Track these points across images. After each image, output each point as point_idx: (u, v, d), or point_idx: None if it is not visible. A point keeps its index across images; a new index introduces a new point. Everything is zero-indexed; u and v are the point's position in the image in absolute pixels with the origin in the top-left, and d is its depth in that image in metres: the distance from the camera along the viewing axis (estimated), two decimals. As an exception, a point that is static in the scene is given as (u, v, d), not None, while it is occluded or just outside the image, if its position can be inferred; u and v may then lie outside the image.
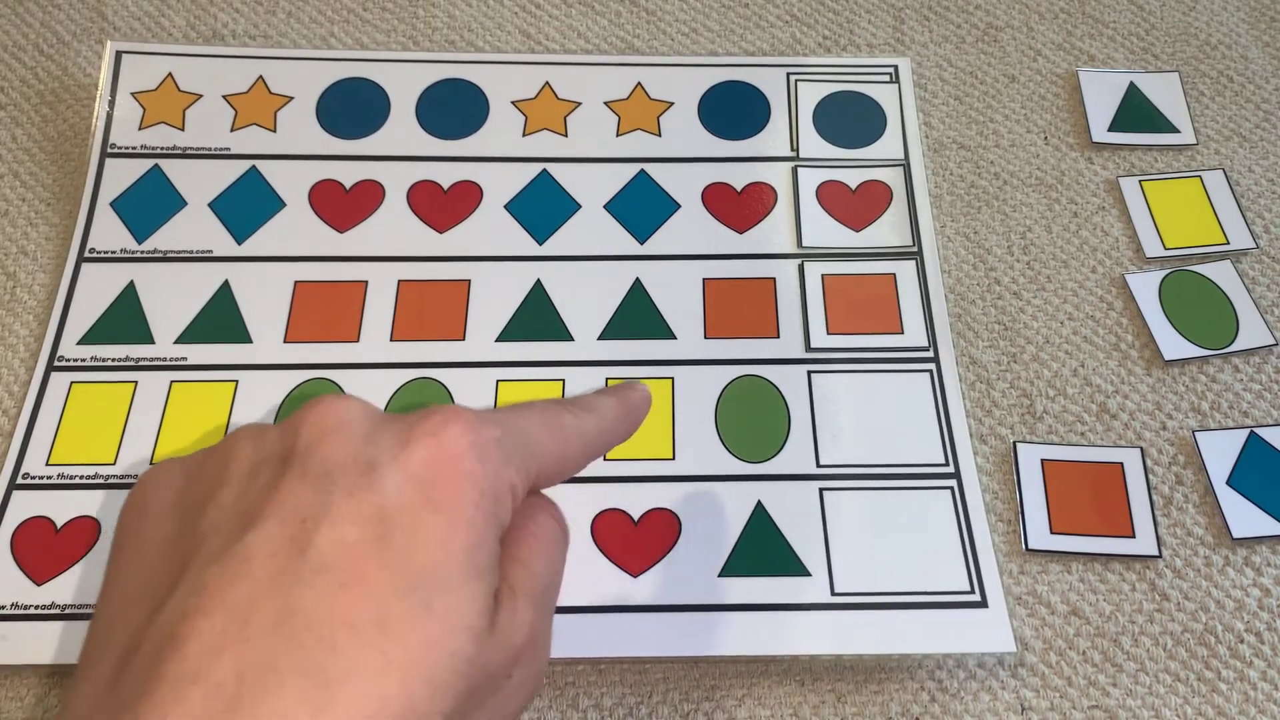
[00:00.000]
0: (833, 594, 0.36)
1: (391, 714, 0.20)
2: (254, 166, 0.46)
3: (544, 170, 0.46)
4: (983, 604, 0.36)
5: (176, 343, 0.41)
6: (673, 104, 0.48)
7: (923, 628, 0.35)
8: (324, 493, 0.22)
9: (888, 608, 0.36)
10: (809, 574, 0.36)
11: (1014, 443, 0.40)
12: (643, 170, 0.46)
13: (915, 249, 0.44)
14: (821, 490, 0.38)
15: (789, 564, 0.37)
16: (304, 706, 0.20)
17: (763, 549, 0.37)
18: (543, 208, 0.45)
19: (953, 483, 0.38)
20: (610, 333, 0.42)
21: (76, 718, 0.21)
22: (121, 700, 0.20)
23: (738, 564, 0.36)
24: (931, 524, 0.37)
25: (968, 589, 0.36)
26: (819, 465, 0.39)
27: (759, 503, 0.38)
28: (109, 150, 0.46)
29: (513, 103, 0.48)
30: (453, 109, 0.48)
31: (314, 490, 0.22)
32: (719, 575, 0.36)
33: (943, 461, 0.39)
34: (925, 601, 0.36)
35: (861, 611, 0.36)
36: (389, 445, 0.23)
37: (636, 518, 0.37)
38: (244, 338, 0.41)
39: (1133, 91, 0.49)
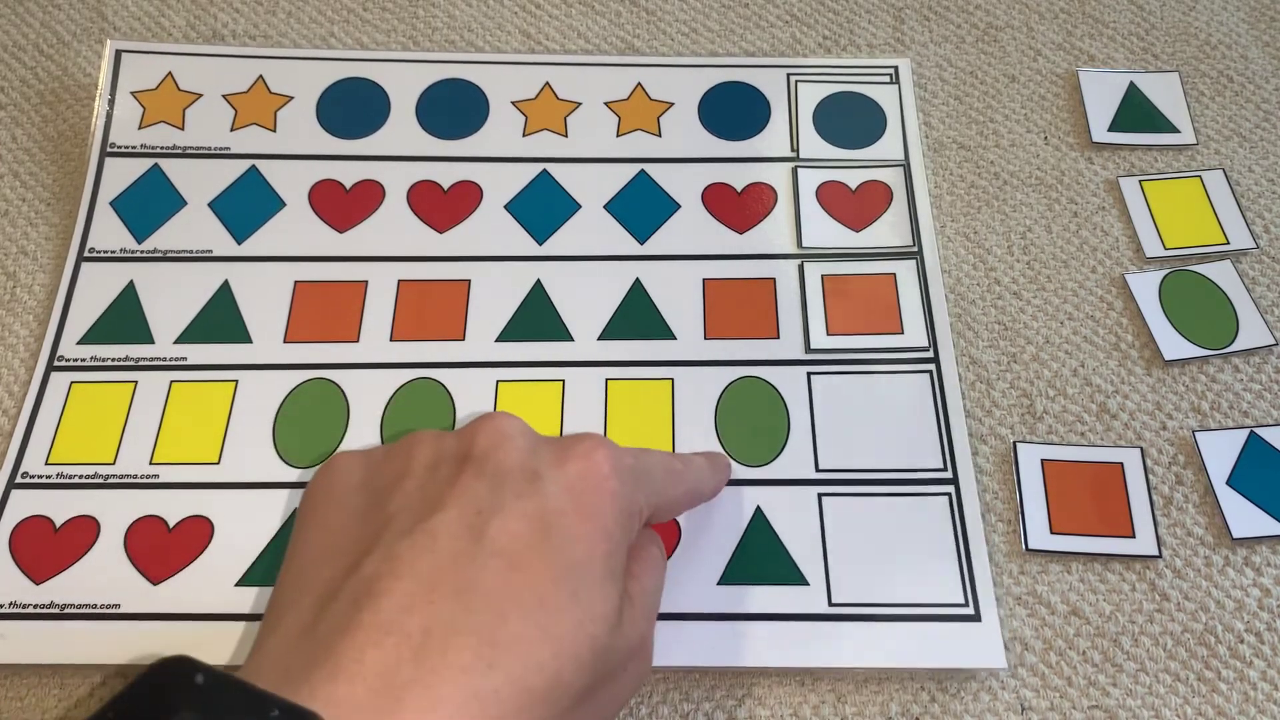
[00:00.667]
0: (830, 604, 0.36)
1: (543, 680, 0.24)
2: (254, 166, 0.46)
3: (544, 170, 0.46)
4: (975, 618, 0.36)
5: (176, 342, 0.41)
6: (673, 104, 0.48)
7: (916, 641, 0.35)
8: (497, 491, 0.27)
9: (883, 619, 0.35)
10: (807, 583, 0.36)
11: (1014, 443, 0.40)
12: (643, 170, 0.46)
13: (915, 249, 0.44)
14: (820, 496, 0.38)
15: (787, 572, 0.36)
16: (478, 662, 0.23)
17: (762, 556, 0.37)
18: (543, 208, 0.45)
19: (950, 489, 0.38)
20: (610, 333, 0.42)
21: (278, 648, 0.25)
22: (321, 639, 0.24)
23: (737, 572, 0.36)
24: (928, 532, 0.37)
25: (961, 601, 0.36)
26: (818, 469, 0.39)
27: (758, 508, 0.38)
28: (109, 150, 0.46)
29: (513, 103, 0.48)
30: (453, 109, 0.48)
31: (488, 488, 0.27)
32: (718, 583, 0.36)
33: (941, 467, 0.39)
34: (919, 614, 0.36)
35: (857, 623, 0.35)
36: (548, 460, 0.28)
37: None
38: (244, 338, 0.41)
39: (1133, 91, 0.49)
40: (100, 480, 0.38)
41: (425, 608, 0.24)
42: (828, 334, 0.42)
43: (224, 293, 0.42)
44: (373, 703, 0.22)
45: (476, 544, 0.25)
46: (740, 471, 0.38)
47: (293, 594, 0.27)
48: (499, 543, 0.25)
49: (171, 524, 0.37)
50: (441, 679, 0.23)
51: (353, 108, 0.47)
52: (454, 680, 0.23)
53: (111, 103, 0.47)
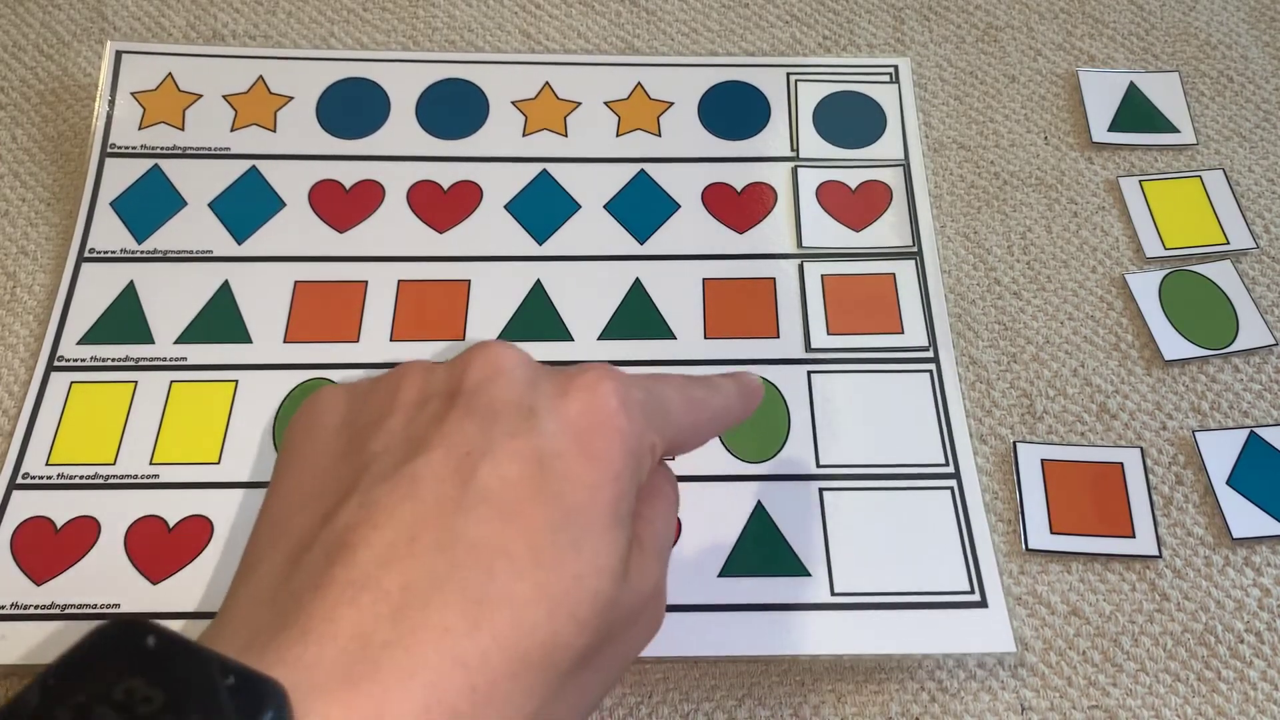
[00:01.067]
0: (833, 594, 0.36)
1: (537, 641, 0.22)
2: (254, 166, 0.46)
3: (544, 170, 0.46)
4: (982, 604, 0.36)
5: (176, 343, 0.41)
6: (673, 104, 0.48)
7: (922, 628, 0.35)
8: (488, 430, 0.24)
9: (888, 608, 0.36)
10: (809, 574, 0.36)
11: (1014, 443, 0.40)
12: (643, 170, 0.46)
13: (915, 249, 0.44)
14: (821, 490, 0.38)
15: (789, 564, 0.37)
16: (461, 622, 0.21)
17: (763, 549, 0.37)
18: (543, 208, 0.45)
19: (952, 483, 0.38)
20: (610, 333, 0.42)
21: (248, 604, 0.22)
22: (293, 593, 0.21)
23: (737, 564, 0.36)
24: (931, 524, 0.37)
25: (967, 589, 0.36)
26: (819, 465, 0.39)
27: (759, 503, 0.38)
28: (109, 150, 0.46)
29: (513, 103, 0.48)
30: (453, 109, 0.48)
31: (479, 427, 0.24)
32: (719, 575, 0.36)
33: (943, 461, 0.39)
34: (925, 602, 0.36)
35: (861, 612, 0.36)
36: (548, 394, 0.25)
37: (636, 518, 0.37)
38: (244, 338, 0.41)
39: (1133, 91, 0.49)
40: (100, 480, 0.38)
41: (405, 561, 0.22)
42: (828, 333, 0.42)
43: (224, 293, 0.42)
44: (345, 666, 0.20)
45: (464, 489, 0.23)
46: (740, 467, 0.39)
47: (265, 545, 0.24)
48: (489, 488, 0.23)
49: (171, 524, 0.37)
50: (422, 641, 0.21)
51: (353, 108, 0.47)
52: (436, 642, 0.21)
53: (112, 103, 0.47)
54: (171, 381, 0.40)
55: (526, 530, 0.23)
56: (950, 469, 0.39)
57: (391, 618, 0.21)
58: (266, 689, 0.19)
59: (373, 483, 0.23)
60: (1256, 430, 0.40)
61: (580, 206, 0.45)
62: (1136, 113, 0.48)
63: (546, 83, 0.48)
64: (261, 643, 0.21)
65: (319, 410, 0.27)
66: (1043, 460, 0.39)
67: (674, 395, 0.28)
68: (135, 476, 0.38)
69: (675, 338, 0.42)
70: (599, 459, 0.24)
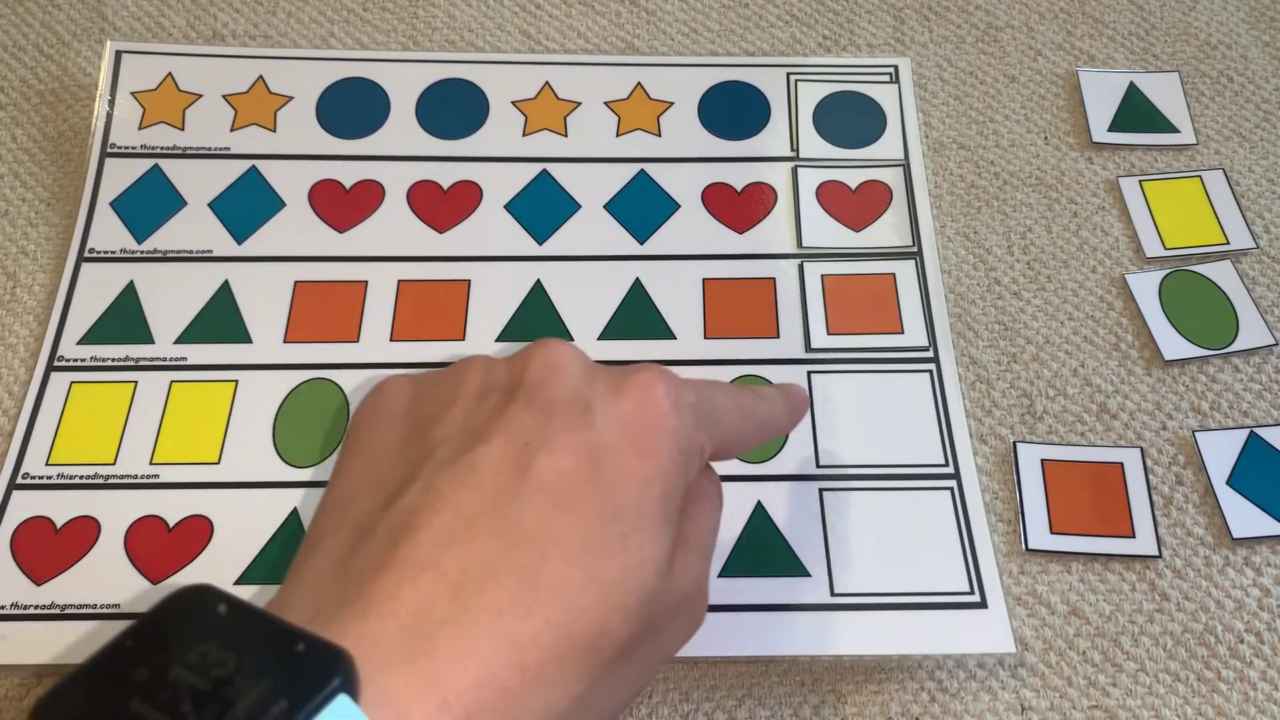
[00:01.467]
0: (832, 594, 0.36)
1: (585, 627, 0.23)
2: (254, 166, 0.46)
3: (544, 170, 0.46)
4: (982, 605, 0.36)
5: (176, 343, 0.41)
6: (673, 104, 0.48)
7: (922, 629, 0.35)
8: (545, 423, 0.25)
9: (887, 608, 0.36)
10: (809, 574, 0.36)
11: (1014, 443, 0.40)
12: (643, 170, 0.46)
13: (915, 249, 0.44)
14: (821, 491, 0.38)
15: (789, 564, 0.37)
16: (515, 604, 0.22)
17: (762, 549, 0.37)
18: (543, 208, 0.45)
19: (952, 483, 0.38)
20: (610, 333, 0.42)
21: (312, 580, 0.24)
22: (357, 571, 0.23)
23: (737, 564, 0.36)
24: (931, 525, 0.37)
25: (967, 589, 0.36)
26: (819, 465, 0.39)
27: (759, 503, 0.38)
28: (109, 150, 0.46)
29: (513, 103, 0.48)
30: (453, 109, 0.48)
31: (537, 420, 0.25)
32: (719, 575, 0.36)
33: (942, 462, 0.39)
34: (925, 602, 0.36)
35: (861, 612, 0.36)
36: (603, 391, 0.26)
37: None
38: (244, 338, 0.41)
39: (1133, 91, 0.49)
40: (100, 480, 0.38)
41: (464, 544, 0.23)
42: (828, 333, 0.42)
43: (224, 293, 0.42)
44: (405, 642, 0.21)
45: (521, 478, 0.24)
46: (739, 468, 0.39)
47: (330, 524, 0.25)
48: (545, 478, 0.24)
49: (171, 524, 0.37)
50: (477, 620, 0.22)
51: (353, 108, 0.47)
52: (490, 622, 0.22)
53: (112, 103, 0.47)
54: (171, 381, 0.40)
55: (579, 520, 0.24)
56: (950, 469, 0.39)
57: (449, 597, 0.22)
58: (335, 656, 0.19)
59: (435, 469, 0.24)
60: (1256, 430, 0.40)
61: (580, 206, 0.45)
62: (1136, 113, 0.48)
63: (546, 83, 0.48)
64: (326, 616, 0.22)
65: (385, 398, 0.28)
66: (1043, 460, 0.39)
67: (724, 400, 0.29)
68: (135, 476, 0.38)
69: (675, 338, 0.42)
70: (650, 456, 0.25)
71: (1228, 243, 0.44)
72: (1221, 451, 0.39)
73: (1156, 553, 0.37)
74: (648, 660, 0.26)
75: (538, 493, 0.24)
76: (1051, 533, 0.38)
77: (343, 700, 0.19)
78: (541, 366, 0.26)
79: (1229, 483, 0.39)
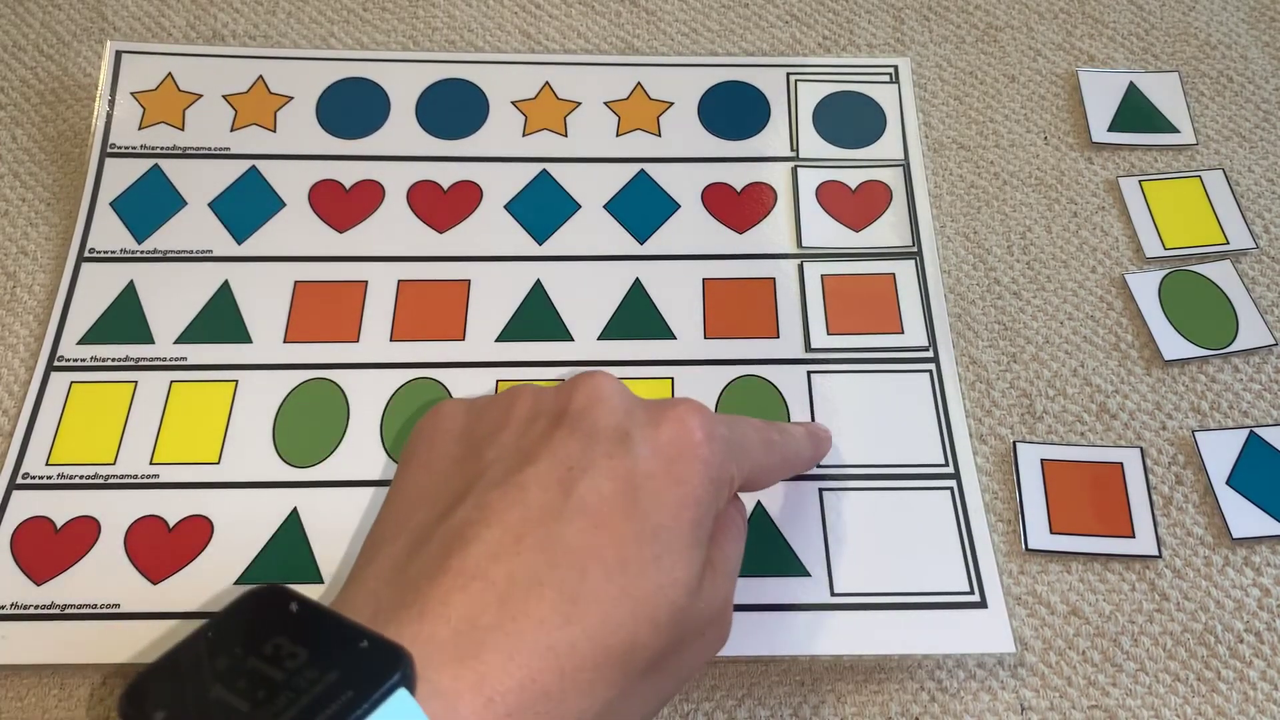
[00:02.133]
0: (832, 594, 0.36)
1: (619, 639, 0.24)
2: (254, 166, 0.46)
3: (544, 170, 0.46)
4: (982, 604, 0.36)
5: (176, 343, 0.41)
6: (672, 104, 0.48)
7: (922, 628, 0.35)
8: (589, 449, 0.27)
9: (887, 608, 0.36)
10: (808, 574, 0.36)
11: (1014, 443, 0.40)
12: (642, 170, 0.46)
13: (915, 249, 0.44)
14: (821, 490, 0.38)
15: (788, 564, 0.37)
16: (556, 615, 0.24)
17: (762, 549, 0.37)
18: (542, 208, 0.45)
19: (952, 483, 0.38)
20: (610, 333, 0.42)
21: (372, 585, 0.25)
22: (412, 578, 0.25)
23: None
24: (931, 524, 0.37)
25: (967, 589, 0.36)
26: (819, 465, 0.39)
27: (759, 503, 0.38)
28: (109, 150, 0.46)
29: (512, 103, 0.48)
30: (453, 109, 0.48)
31: (581, 446, 0.27)
32: None
33: (942, 462, 0.39)
34: (925, 602, 0.36)
35: (861, 612, 0.36)
36: (642, 422, 0.28)
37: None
38: (244, 338, 0.41)
39: (1133, 91, 0.49)
40: (101, 481, 0.38)
41: (511, 557, 0.24)
42: (828, 333, 0.42)
43: (224, 293, 0.42)
44: (455, 644, 0.23)
45: (565, 499, 0.26)
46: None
47: (389, 534, 0.27)
48: (587, 500, 0.26)
49: (171, 524, 0.37)
50: (522, 628, 0.23)
51: (352, 108, 0.47)
52: (533, 630, 0.23)
53: (112, 103, 0.47)
54: (171, 381, 0.40)
55: (617, 540, 0.25)
56: (950, 469, 0.39)
57: (497, 605, 0.24)
58: (396, 654, 0.21)
59: (487, 487, 0.26)
60: (1256, 430, 0.40)
61: (580, 206, 0.45)
62: (1136, 113, 0.48)
63: (546, 83, 0.48)
64: (384, 618, 0.24)
65: (441, 419, 0.30)
66: (1042, 460, 0.39)
67: (753, 435, 0.32)
68: (135, 476, 0.38)
69: (675, 338, 0.42)
70: (684, 483, 0.27)
71: (1227, 243, 0.44)
72: (1221, 451, 0.39)
73: (1156, 553, 0.37)
74: (674, 674, 0.28)
75: (579, 513, 0.26)
76: (1051, 533, 0.38)
77: (402, 694, 0.20)
78: (586, 396, 0.28)
79: (1229, 483, 0.39)
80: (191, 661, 0.21)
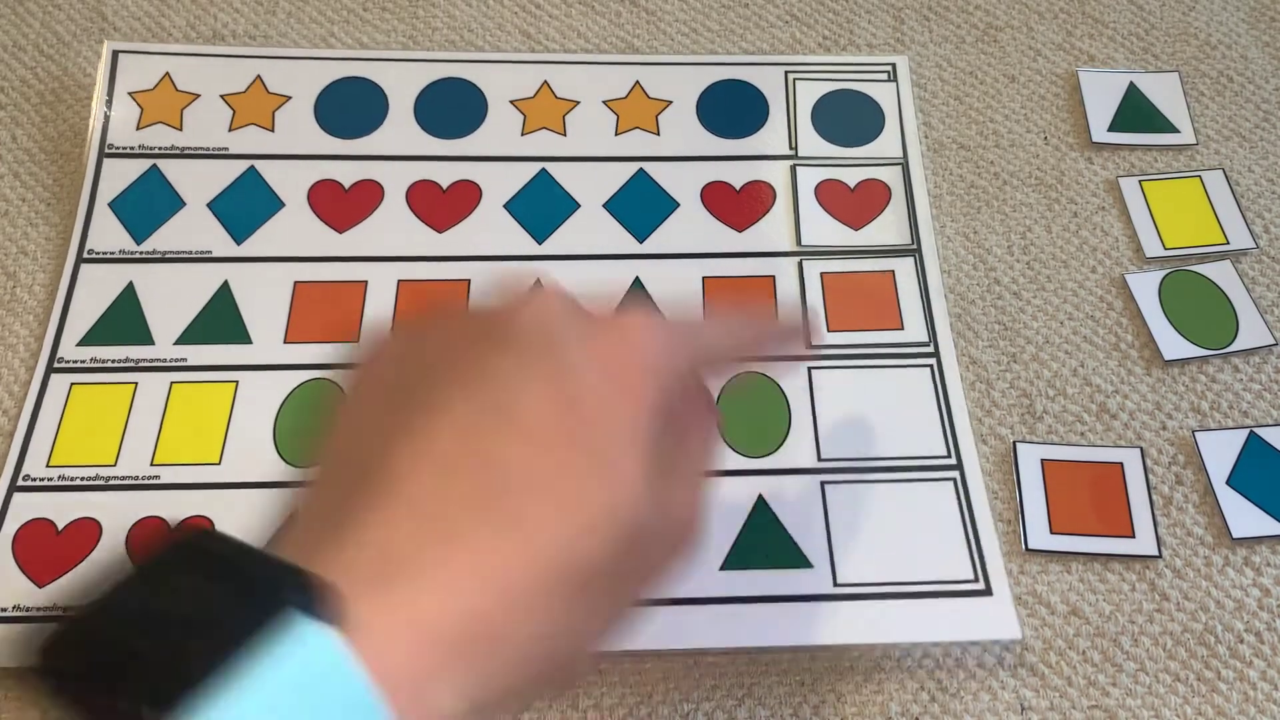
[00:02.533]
0: (835, 585, 0.36)
1: (563, 559, 0.24)
2: (252, 166, 0.45)
3: (543, 169, 0.46)
4: (987, 592, 0.36)
5: (176, 344, 0.41)
6: (671, 103, 0.48)
7: (927, 617, 0.35)
8: (525, 365, 0.26)
9: (891, 598, 0.36)
10: (811, 566, 0.36)
11: (1014, 443, 0.40)
12: (642, 169, 0.46)
13: (914, 246, 0.44)
14: (823, 483, 0.38)
15: (791, 556, 0.37)
16: (496, 538, 0.23)
17: (764, 542, 0.37)
18: (542, 207, 0.45)
19: (955, 474, 0.39)
20: (610, 333, 0.42)
21: (305, 520, 0.25)
22: (339, 509, 0.24)
23: (739, 557, 0.37)
24: (934, 515, 0.38)
25: (972, 578, 0.36)
26: (820, 459, 0.39)
27: (760, 496, 0.38)
28: (107, 150, 0.46)
29: (511, 102, 0.48)
30: (451, 108, 0.47)
31: (516, 362, 0.26)
32: (720, 569, 0.36)
33: (945, 453, 0.39)
34: (929, 591, 0.36)
35: (865, 602, 0.36)
36: (584, 335, 0.27)
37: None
38: (244, 338, 0.41)
39: (1133, 91, 0.49)
40: (102, 482, 0.38)
41: (443, 481, 0.24)
42: (828, 330, 0.42)
43: (224, 293, 0.42)
44: (376, 570, 0.22)
45: (499, 417, 0.25)
46: (741, 462, 0.39)
47: (324, 472, 0.27)
48: (523, 417, 0.25)
49: (173, 524, 0.37)
50: (451, 551, 0.23)
51: (351, 107, 0.47)
52: (468, 555, 0.23)
53: (109, 103, 0.47)
54: (172, 382, 0.40)
55: (556, 455, 0.25)
56: (953, 460, 0.39)
57: (424, 530, 0.23)
58: (301, 579, 0.21)
59: (418, 411, 0.25)
60: (1256, 430, 0.40)
61: (579, 205, 0.45)
62: (1136, 113, 0.48)
63: (545, 82, 0.48)
64: (308, 552, 0.23)
65: (373, 352, 0.30)
66: (1042, 460, 0.39)
67: (706, 323, 0.31)
68: (136, 478, 0.38)
69: (675, 338, 0.42)
70: (627, 392, 0.26)
71: (1227, 243, 0.44)
72: (1221, 451, 0.39)
73: (1156, 553, 0.37)
74: (637, 581, 0.27)
75: (516, 433, 0.25)
76: (1051, 533, 0.38)
77: (308, 626, 0.20)
78: (528, 315, 0.28)
79: (1229, 483, 0.39)
80: (108, 610, 0.21)
